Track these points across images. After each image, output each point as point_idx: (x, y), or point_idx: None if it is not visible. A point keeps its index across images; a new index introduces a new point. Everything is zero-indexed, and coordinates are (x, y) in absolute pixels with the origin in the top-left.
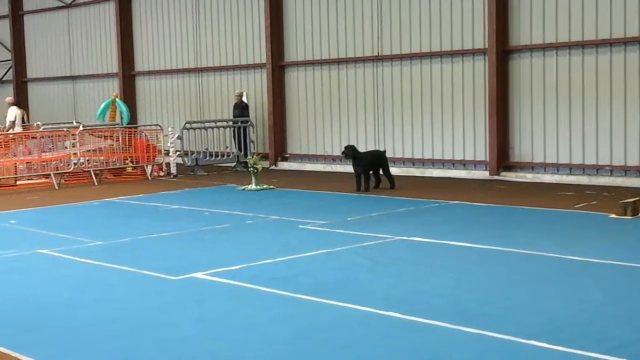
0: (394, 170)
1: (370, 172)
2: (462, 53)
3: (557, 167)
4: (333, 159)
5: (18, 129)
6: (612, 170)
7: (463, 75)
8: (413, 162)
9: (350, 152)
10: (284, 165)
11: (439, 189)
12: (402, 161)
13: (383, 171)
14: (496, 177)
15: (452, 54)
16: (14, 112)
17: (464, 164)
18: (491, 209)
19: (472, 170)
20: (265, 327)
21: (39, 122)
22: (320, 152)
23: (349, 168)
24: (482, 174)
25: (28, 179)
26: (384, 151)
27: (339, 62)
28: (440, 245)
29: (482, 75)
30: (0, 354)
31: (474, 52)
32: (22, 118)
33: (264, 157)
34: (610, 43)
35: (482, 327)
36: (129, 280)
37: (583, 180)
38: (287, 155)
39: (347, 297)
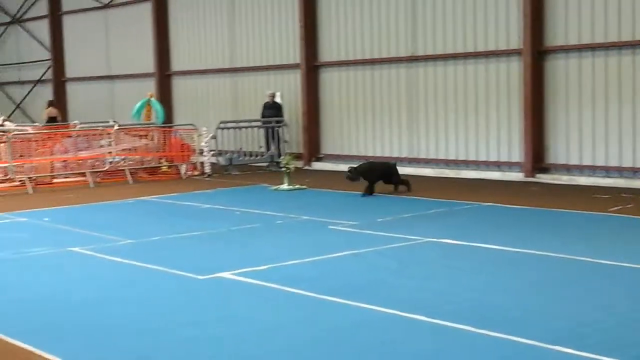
0: (427, 172)
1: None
2: (497, 54)
3: (593, 169)
4: (366, 159)
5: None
6: None
7: (498, 75)
8: (447, 163)
9: (355, 175)
10: (317, 166)
11: (472, 191)
12: (436, 162)
13: (394, 182)
14: (531, 179)
15: (487, 54)
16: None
17: (498, 165)
18: (524, 212)
19: (506, 172)
20: (290, 328)
21: (76, 121)
22: (354, 153)
23: None
24: (517, 176)
25: (64, 177)
26: (394, 164)
27: (373, 62)
28: (471, 247)
29: (517, 76)
30: (28, 352)
31: (508, 53)
32: (55, 117)
33: (298, 157)
34: None
35: (508, 331)
36: (157, 278)
37: (620, 183)
38: (321, 156)
39: (373, 299)
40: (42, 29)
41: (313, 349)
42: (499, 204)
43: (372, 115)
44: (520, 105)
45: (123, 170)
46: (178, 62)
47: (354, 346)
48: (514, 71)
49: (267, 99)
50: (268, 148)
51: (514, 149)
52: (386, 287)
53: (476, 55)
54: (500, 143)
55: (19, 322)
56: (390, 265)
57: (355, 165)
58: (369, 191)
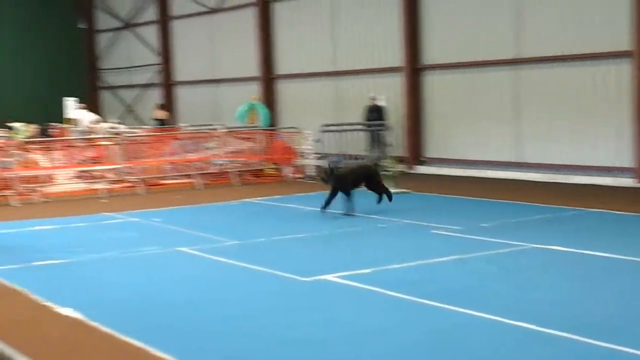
0: (535, 176)
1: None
2: (605, 56)
3: None
4: (471, 163)
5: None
6: None
7: (607, 78)
8: (555, 168)
9: (330, 181)
10: (420, 169)
11: (580, 196)
12: (543, 167)
13: (373, 189)
14: None
15: (595, 56)
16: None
17: (608, 170)
18: (635, 219)
19: (617, 178)
20: (391, 332)
21: (184, 124)
22: (457, 157)
23: (486, 173)
24: (628, 182)
25: (173, 179)
26: (376, 166)
27: (477, 64)
28: (577, 254)
29: (628, 79)
30: (139, 348)
31: (617, 55)
32: (163, 120)
33: (401, 160)
34: None
35: (612, 340)
36: (261, 280)
37: None
38: (424, 159)
39: (475, 304)
40: (152, 34)
41: (414, 353)
42: (608, 211)
43: (476, 119)
44: (631, 108)
45: (229, 172)
46: (282, 65)
47: (456, 353)
48: (624, 74)
49: (369, 102)
50: (371, 151)
51: (625, 154)
52: (489, 293)
53: (583, 57)
54: (610, 147)
55: (129, 319)
56: (493, 271)
57: (334, 164)
58: (327, 204)
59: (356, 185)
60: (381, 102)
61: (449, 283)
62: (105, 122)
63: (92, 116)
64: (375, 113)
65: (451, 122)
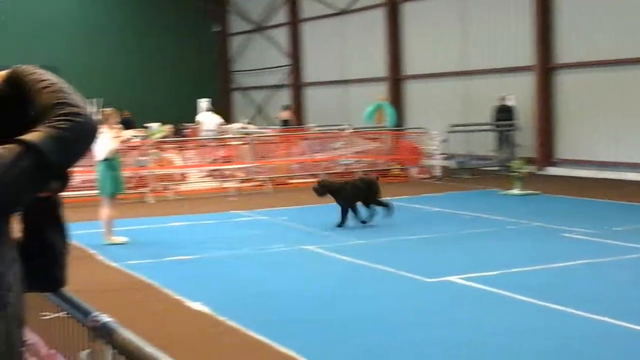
0: None
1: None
2: None
3: None
4: (605, 164)
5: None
6: None
7: None
8: None
9: (322, 190)
10: (551, 171)
11: None
12: None
13: (370, 202)
14: None
15: None
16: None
17: None
18: None
19: None
20: (519, 337)
21: (312, 124)
22: (591, 158)
23: (624, 175)
24: None
25: (299, 178)
26: (377, 178)
27: (615, 62)
28: None
29: None
30: (262, 343)
31: None
32: (288, 121)
33: (531, 161)
34: None
35: None
36: (385, 279)
37: None
38: (555, 160)
39: (609, 312)
40: (282, 36)
41: (542, 359)
42: None
43: (612, 119)
44: None
45: (355, 172)
46: (410, 65)
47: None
48: None
49: (498, 102)
50: (499, 152)
51: None
52: (623, 299)
53: None
54: None
55: (254, 314)
56: (627, 277)
57: (326, 181)
58: (343, 220)
59: (358, 199)
60: (510, 102)
61: (579, 288)
62: (229, 124)
63: (217, 119)
64: (504, 113)
65: (585, 122)
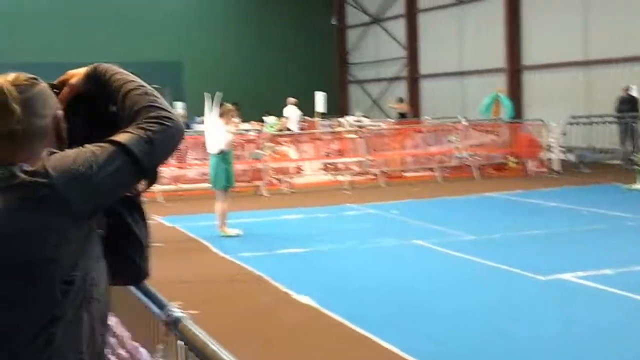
0: None
1: None
2: None
3: None
4: None
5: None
6: None
7: None
8: None
9: None
10: None
11: None
12: None
13: None
14: None
15: None
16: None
17: None
18: None
19: None
20: (634, 340)
21: (427, 117)
22: None
23: None
24: None
25: (413, 172)
26: None
27: None
28: None
29: None
30: (366, 338)
31: None
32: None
33: None
34: None
35: None
36: (496, 276)
37: None
38: None
39: None
40: (399, 27)
41: None
42: None
43: None
44: None
45: (470, 165)
46: (529, 56)
47: None
48: None
49: (622, 93)
50: (622, 145)
51: None
52: None
53: None
54: None
55: (360, 308)
56: None
57: None
58: None
59: None
60: (635, 93)
61: None
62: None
63: (298, 113)
64: (628, 104)
65: None
